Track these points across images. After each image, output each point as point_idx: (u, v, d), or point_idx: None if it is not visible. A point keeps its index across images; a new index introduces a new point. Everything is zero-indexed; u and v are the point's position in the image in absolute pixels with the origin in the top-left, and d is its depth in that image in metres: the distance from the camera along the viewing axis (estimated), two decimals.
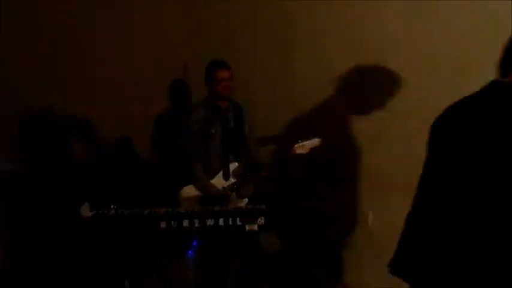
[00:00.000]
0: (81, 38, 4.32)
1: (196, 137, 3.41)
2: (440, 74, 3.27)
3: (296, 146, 3.27)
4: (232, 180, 3.46)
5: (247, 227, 3.07)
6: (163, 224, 3.10)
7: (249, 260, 3.43)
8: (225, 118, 3.50)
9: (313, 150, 3.27)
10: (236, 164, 3.50)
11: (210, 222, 3.08)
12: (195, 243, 3.53)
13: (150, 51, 4.59)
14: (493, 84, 1.80)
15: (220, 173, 3.45)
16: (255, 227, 3.06)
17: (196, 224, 3.09)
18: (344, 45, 3.73)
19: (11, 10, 3.97)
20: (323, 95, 3.82)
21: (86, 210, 3.22)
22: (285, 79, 4.19)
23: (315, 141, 3.27)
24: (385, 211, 3.55)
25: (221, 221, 3.07)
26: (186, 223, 3.09)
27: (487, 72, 1.84)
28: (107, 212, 3.20)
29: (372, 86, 3.60)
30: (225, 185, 3.45)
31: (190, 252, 3.58)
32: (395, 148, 3.50)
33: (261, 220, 3.05)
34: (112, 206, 3.25)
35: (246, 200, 3.44)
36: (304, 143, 3.27)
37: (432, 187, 1.86)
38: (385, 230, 3.47)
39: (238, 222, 3.06)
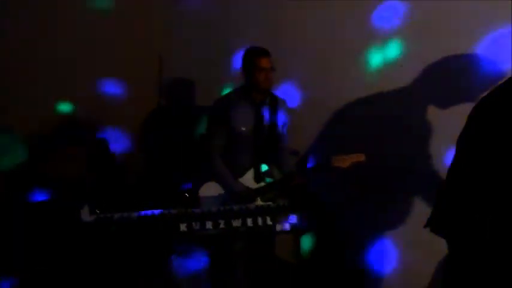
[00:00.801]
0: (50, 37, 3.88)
1: (222, 130, 3.05)
2: None
3: (334, 158, 2.92)
4: (261, 184, 3.09)
5: (277, 227, 2.81)
6: (183, 227, 2.76)
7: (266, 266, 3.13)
8: (259, 113, 3.10)
9: (354, 165, 2.91)
10: (266, 166, 3.14)
11: (236, 223, 2.79)
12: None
13: (124, 47, 4.22)
14: None
15: (248, 173, 3.08)
16: (287, 227, 2.80)
17: (222, 225, 2.78)
18: None
19: None
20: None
21: (86, 214, 2.81)
22: None
23: (357, 157, 2.92)
24: None
25: (249, 222, 2.79)
26: (209, 225, 2.77)
27: None
28: (110, 216, 2.81)
29: None
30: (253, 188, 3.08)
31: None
32: None
33: (292, 219, 2.80)
34: (96, 211, 2.86)
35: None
36: (345, 156, 2.92)
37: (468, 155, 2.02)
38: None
39: (269, 221, 2.79)
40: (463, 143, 2.05)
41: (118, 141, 4.16)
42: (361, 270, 3.42)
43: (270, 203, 2.96)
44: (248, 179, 3.06)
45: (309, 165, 3.42)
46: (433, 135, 3.12)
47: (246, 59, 3.07)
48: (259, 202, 2.97)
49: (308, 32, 3.73)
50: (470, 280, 1.95)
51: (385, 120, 3.38)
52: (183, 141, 4.29)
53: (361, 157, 2.94)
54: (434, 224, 2.09)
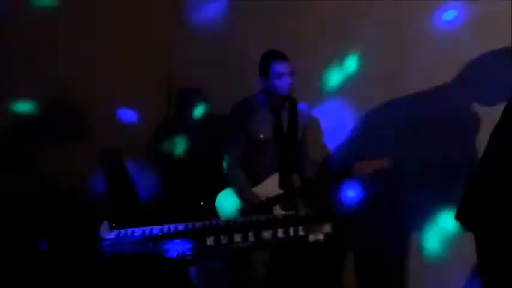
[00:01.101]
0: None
1: (241, 138, 2.94)
2: None
3: (355, 165, 2.81)
4: (279, 191, 2.94)
5: (310, 238, 2.63)
6: (210, 241, 2.59)
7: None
8: (278, 120, 2.96)
9: (376, 171, 2.81)
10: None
11: (267, 234, 2.61)
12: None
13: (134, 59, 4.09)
14: None
15: (270, 180, 2.95)
16: (321, 237, 2.62)
17: (251, 238, 2.61)
18: None
19: None
20: None
21: (105, 231, 2.66)
22: None
23: (380, 162, 2.81)
24: None
25: (280, 232, 2.61)
26: (238, 238, 2.60)
27: None
28: (131, 232, 2.66)
29: None
30: (275, 194, 2.94)
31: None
32: None
33: (327, 228, 2.62)
34: (113, 225, 2.72)
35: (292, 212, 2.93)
36: (366, 162, 2.81)
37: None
38: None
39: (301, 231, 2.61)
40: (495, 138, 2.06)
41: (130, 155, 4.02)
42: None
43: (290, 211, 2.85)
44: (269, 186, 2.93)
45: (329, 172, 3.28)
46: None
47: (262, 63, 2.91)
48: (279, 210, 2.85)
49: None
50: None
51: (413, 121, 3.25)
52: (195, 153, 4.17)
53: (384, 163, 2.82)
54: (462, 217, 2.10)
